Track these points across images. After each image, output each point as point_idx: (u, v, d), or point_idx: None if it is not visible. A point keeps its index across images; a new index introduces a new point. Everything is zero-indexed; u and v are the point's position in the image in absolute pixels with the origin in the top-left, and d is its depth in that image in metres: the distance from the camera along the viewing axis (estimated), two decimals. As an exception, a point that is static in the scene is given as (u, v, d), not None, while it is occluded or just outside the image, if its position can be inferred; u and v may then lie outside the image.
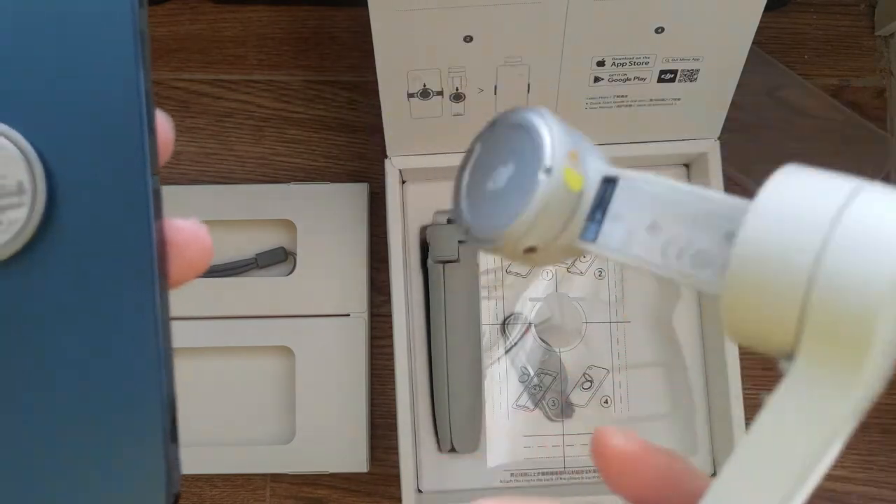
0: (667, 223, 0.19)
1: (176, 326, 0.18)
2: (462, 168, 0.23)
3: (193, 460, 0.52)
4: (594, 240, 0.20)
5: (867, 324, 0.15)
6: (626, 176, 0.20)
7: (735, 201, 0.18)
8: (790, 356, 0.17)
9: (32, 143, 0.18)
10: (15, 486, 0.17)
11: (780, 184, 0.17)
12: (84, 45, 0.18)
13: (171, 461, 0.18)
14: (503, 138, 0.22)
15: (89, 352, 0.17)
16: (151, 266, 0.17)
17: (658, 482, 0.19)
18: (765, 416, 0.17)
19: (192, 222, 0.19)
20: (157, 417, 0.17)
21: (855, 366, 0.16)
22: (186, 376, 0.53)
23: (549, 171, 0.20)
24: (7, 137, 0.18)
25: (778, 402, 0.16)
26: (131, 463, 0.17)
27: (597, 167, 0.20)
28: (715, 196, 0.19)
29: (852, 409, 0.16)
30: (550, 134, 0.20)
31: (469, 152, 0.23)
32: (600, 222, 0.20)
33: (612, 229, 0.20)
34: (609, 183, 0.20)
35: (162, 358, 0.18)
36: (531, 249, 0.20)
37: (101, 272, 0.17)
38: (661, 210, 0.19)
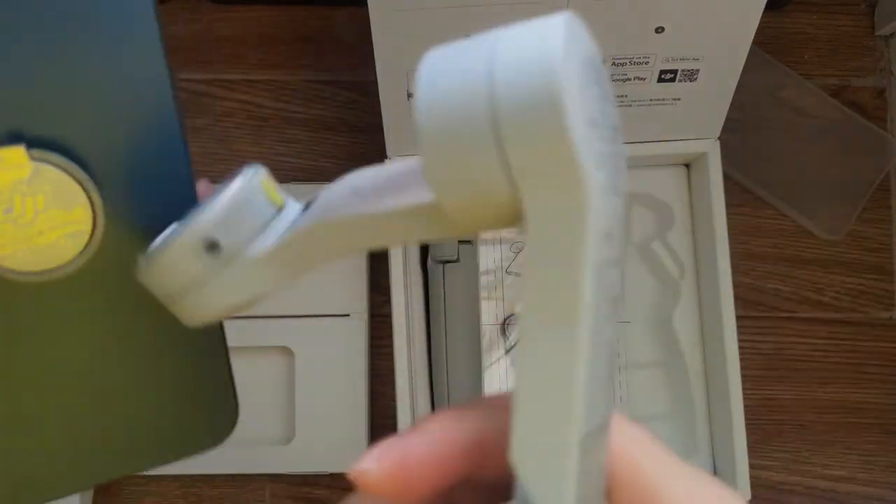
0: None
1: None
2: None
3: (193, 460, 0.52)
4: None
5: (556, 120, 0.14)
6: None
7: None
8: (521, 219, 0.16)
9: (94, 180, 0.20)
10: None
11: (433, 57, 0.17)
12: (131, 107, 0.20)
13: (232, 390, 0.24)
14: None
15: None
16: None
17: (444, 471, 0.17)
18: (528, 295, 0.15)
19: None
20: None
21: (575, 175, 0.15)
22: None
23: (247, 175, 0.20)
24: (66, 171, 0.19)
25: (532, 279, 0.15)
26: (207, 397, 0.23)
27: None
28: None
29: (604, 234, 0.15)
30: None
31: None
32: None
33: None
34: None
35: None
36: (214, 246, 0.19)
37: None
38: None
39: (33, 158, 0.19)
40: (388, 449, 0.17)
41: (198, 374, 0.23)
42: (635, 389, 0.52)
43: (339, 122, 0.58)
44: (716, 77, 0.46)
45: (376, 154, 0.51)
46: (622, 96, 0.47)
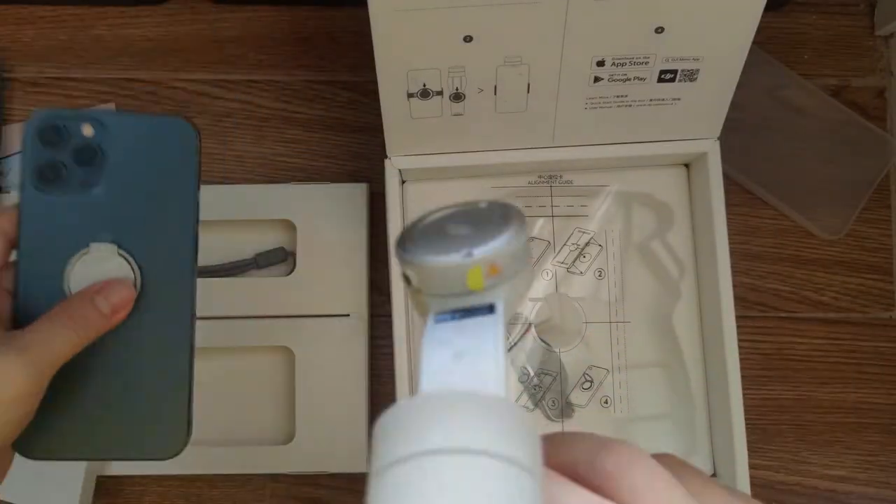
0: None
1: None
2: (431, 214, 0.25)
3: (193, 461, 0.52)
4: (433, 324, 0.22)
5: None
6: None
7: None
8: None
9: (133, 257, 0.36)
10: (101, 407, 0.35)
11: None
12: (163, 206, 0.39)
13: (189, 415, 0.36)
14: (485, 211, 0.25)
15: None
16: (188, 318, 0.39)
17: None
18: None
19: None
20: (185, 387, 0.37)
21: None
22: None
23: (468, 254, 0.22)
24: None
25: None
26: (165, 414, 0.36)
27: (504, 296, 0.23)
28: None
29: None
30: (508, 236, 0.23)
31: (447, 209, 0.26)
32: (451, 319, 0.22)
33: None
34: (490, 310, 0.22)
35: (190, 365, 0.38)
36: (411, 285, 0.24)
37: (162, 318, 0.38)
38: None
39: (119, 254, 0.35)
40: None
41: (162, 397, 0.36)
42: (635, 389, 0.52)
43: (339, 122, 0.58)
44: (716, 77, 0.47)
45: (376, 154, 0.51)
46: (622, 96, 0.47)
